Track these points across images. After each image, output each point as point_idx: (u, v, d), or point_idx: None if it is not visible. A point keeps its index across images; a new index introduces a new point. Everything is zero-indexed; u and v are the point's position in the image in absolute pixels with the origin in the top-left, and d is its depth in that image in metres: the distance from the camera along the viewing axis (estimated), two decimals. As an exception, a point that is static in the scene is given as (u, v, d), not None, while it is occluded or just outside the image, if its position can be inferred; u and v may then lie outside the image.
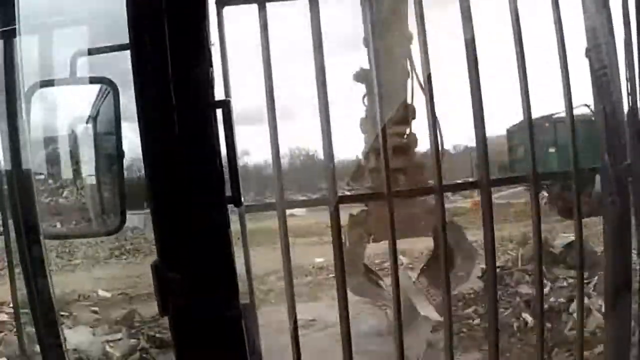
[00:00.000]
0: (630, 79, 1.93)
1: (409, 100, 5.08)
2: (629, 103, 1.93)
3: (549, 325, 5.71)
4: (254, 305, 1.77)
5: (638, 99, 1.92)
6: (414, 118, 5.21)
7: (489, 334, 2.08)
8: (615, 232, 2.07)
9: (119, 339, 6.68)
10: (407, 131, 5.30)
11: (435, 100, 2.03)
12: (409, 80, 4.99)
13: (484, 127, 1.97)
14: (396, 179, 4.56)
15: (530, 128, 2.01)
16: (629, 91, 1.93)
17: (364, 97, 5.38)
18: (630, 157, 1.96)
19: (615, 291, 2.06)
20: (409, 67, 4.88)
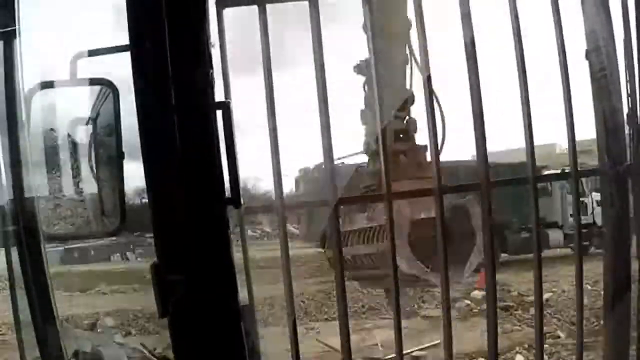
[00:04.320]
0: (630, 80, 1.93)
1: (407, 86, 5.21)
2: (628, 104, 1.93)
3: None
4: (253, 306, 1.77)
5: (637, 100, 1.92)
6: (412, 103, 5.36)
7: (489, 333, 2.08)
8: (615, 232, 2.07)
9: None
10: (407, 116, 5.41)
11: (438, 98, 2.02)
12: (408, 66, 5.02)
13: (483, 127, 1.96)
14: (397, 161, 4.60)
15: (530, 129, 2.01)
16: (629, 92, 1.93)
17: (364, 85, 5.38)
18: (629, 158, 1.96)
19: (615, 291, 2.06)
20: (407, 53, 4.92)
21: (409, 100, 5.39)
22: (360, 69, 5.54)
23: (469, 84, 1.93)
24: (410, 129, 5.38)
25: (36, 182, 1.66)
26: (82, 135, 1.65)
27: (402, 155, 4.96)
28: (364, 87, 5.35)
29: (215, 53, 1.42)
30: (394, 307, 2.09)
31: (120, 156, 1.44)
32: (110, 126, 1.47)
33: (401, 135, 5.29)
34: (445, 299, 2.09)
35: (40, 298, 1.63)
